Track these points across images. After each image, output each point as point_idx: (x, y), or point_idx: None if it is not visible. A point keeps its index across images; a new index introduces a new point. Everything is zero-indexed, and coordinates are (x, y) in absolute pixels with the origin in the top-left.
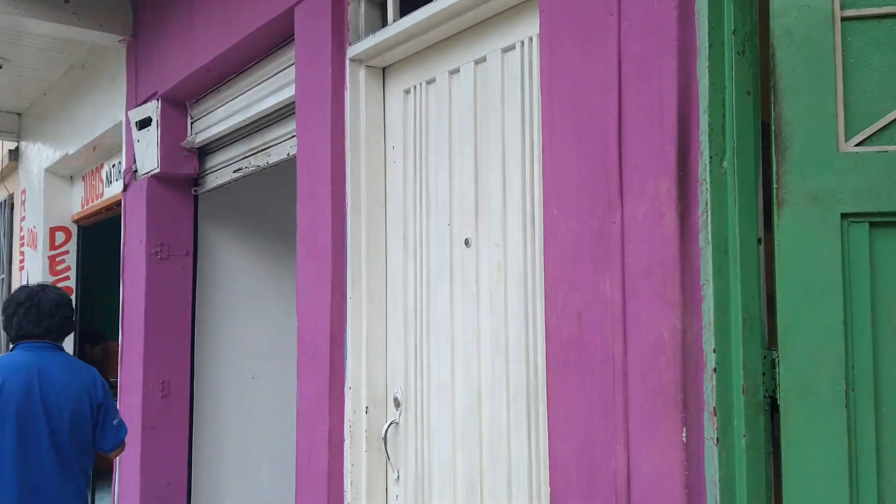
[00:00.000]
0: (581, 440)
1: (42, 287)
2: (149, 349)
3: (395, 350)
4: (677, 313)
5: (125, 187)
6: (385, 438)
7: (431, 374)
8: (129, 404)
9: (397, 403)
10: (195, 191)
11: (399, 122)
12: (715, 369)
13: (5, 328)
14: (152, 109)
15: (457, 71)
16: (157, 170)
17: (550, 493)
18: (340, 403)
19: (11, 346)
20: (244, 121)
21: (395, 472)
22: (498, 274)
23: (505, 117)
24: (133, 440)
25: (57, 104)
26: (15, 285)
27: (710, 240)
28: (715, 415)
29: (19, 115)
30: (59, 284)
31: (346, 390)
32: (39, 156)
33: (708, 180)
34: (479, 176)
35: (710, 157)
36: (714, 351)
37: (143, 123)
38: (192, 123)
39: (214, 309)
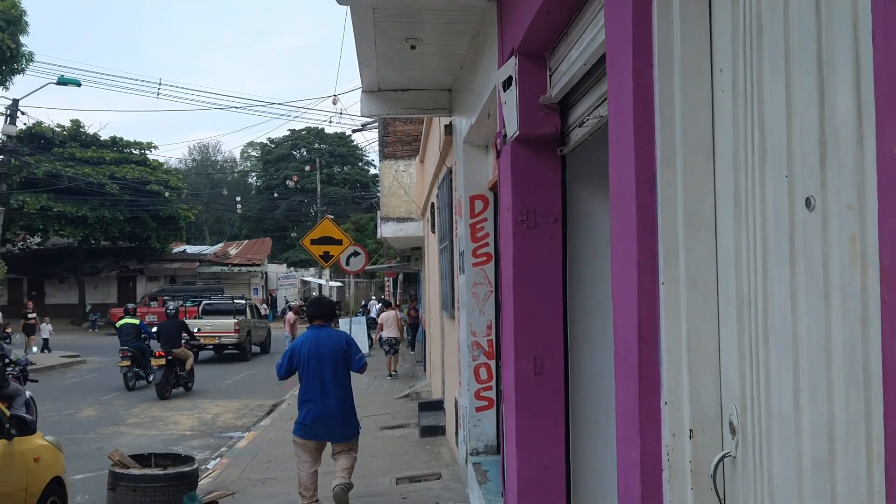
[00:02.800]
0: None
1: (317, 296)
2: (519, 324)
3: (729, 356)
4: None
5: (498, 153)
6: (714, 476)
7: (771, 396)
8: (506, 380)
9: (733, 430)
10: (561, 150)
11: (727, 33)
12: None
13: (308, 315)
14: (511, 67)
15: None
16: (517, 132)
17: None
18: (655, 422)
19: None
20: (585, 64)
21: None
22: (851, 252)
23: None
24: (508, 418)
25: (467, 75)
26: (456, 252)
27: None
28: None
29: (449, 90)
30: (479, 251)
31: (662, 406)
32: (461, 127)
33: None
34: (824, 100)
35: None
36: None
37: (507, 83)
38: (550, 76)
39: (587, 280)
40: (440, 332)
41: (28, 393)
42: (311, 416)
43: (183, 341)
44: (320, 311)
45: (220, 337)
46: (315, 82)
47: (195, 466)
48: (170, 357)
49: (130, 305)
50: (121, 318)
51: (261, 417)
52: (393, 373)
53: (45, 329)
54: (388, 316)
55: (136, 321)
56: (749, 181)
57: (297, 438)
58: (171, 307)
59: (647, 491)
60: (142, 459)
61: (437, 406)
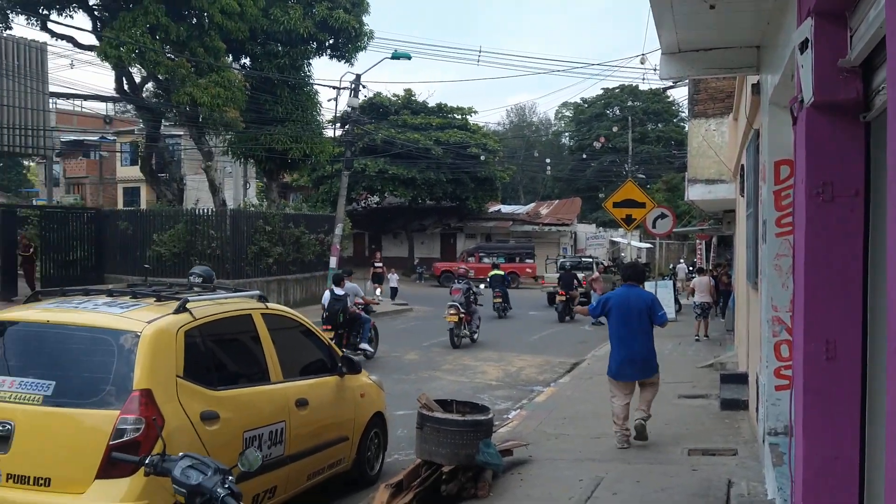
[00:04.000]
0: None
1: (632, 261)
2: (809, 304)
3: None
4: None
5: (794, 120)
6: None
7: None
8: (795, 361)
9: None
10: (864, 117)
11: None
12: None
13: (622, 275)
14: (807, 29)
15: None
16: (812, 98)
17: None
18: None
19: (621, 283)
20: (881, 27)
21: None
22: None
23: None
24: (796, 401)
25: (773, 31)
26: (760, 219)
27: None
28: None
29: (757, 47)
30: (783, 220)
31: None
32: (766, 87)
33: None
34: None
35: None
36: None
37: (803, 46)
38: (850, 37)
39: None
40: (745, 301)
41: (479, 315)
42: (620, 359)
43: (574, 287)
44: (633, 273)
45: None
46: (628, 40)
47: (490, 416)
48: (568, 296)
49: (500, 261)
50: (491, 271)
51: (561, 374)
52: (702, 337)
53: (393, 278)
54: (701, 281)
55: (502, 273)
56: None
57: (611, 379)
58: (567, 264)
59: None
60: (445, 404)
61: (741, 379)
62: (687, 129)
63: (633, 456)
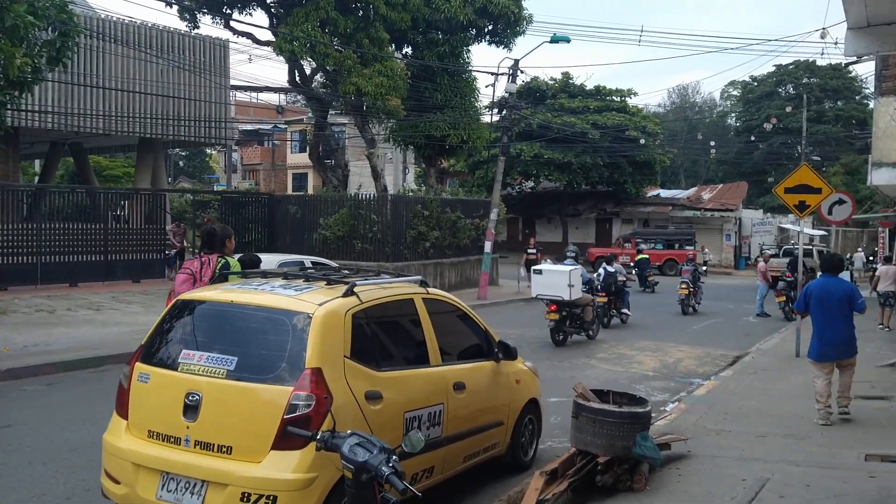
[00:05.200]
0: None
1: (829, 252)
2: None
3: None
4: None
5: None
6: None
7: None
8: None
9: None
10: None
11: None
12: None
13: (820, 267)
14: None
15: None
16: None
17: None
18: None
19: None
20: None
21: None
22: None
23: None
24: None
25: None
26: None
27: None
28: None
29: None
30: None
31: None
32: None
33: None
34: None
35: None
36: None
37: None
38: None
39: None
40: None
41: (702, 291)
42: (823, 343)
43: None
44: (830, 265)
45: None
46: (804, 12)
47: (648, 409)
48: (795, 278)
49: (658, 247)
50: (637, 256)
51: (722, 368)
52: (885, 327)
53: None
54: (886, 270)
55: (646, 257)
56: None
57: (812, 361)
58: (795, 251)
59: None
60: (601, 395)
61: None
62: (872, 107)
63: (802, 457)
